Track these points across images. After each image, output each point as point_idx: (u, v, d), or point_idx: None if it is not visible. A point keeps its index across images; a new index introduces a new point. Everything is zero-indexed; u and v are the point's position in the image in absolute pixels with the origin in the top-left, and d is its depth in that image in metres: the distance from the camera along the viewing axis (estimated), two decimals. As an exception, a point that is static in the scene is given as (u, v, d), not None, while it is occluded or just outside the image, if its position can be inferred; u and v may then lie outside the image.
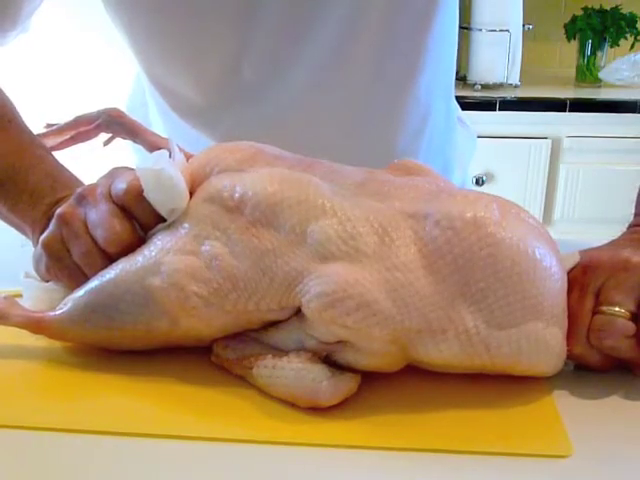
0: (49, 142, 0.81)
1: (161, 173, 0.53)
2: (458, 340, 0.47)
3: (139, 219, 0.55)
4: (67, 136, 0.82)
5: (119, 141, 0.84)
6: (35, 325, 0.55)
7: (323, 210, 0.49)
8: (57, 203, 0.60)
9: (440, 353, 0.47)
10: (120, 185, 0.54)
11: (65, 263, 0.56)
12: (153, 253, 0.52)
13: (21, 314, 0.55)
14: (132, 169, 0.58)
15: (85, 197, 0.56)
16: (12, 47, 0.81)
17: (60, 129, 0.82)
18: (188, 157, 0.59)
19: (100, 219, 0.54)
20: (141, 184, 0.53)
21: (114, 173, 0.58)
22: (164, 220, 0.54)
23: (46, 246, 0.56)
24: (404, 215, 0.49)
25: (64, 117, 0.83)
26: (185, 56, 0.79)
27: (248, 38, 0.76)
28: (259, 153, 0.56)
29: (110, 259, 0.54)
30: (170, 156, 0.55)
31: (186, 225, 0.53)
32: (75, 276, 0.55)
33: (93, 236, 0.54)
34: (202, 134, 0.84)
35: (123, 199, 0.54)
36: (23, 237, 0.64)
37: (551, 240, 0.51)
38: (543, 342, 0.48)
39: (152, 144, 0.77)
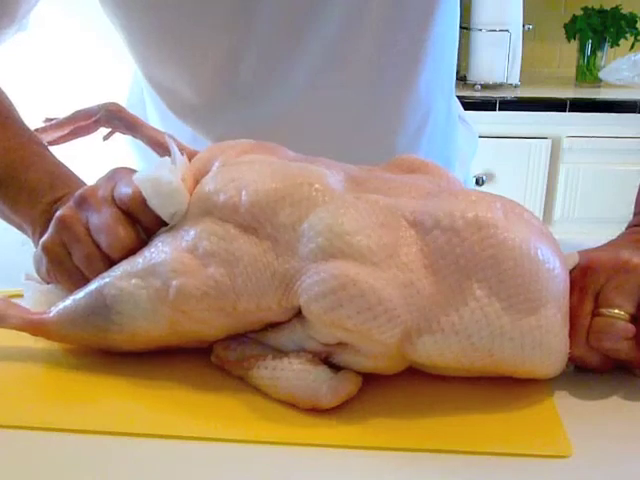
0: (48, 137, 0.81)
1: (160, 180, 0.53)
2: (459, 342, 0.47)
3: (143, 224, 0.54)
4: (66, 130, 0.82)
5: (118, 136, 0.84)
6: (33, 328, 0.55)
7: (324, 206, 0.49)
8: (56, 202, 0.60)
9: (441, 355, 0.47)
10: (125, 190, 0.54)
11: (66, 266, 0.55)
12: (153, 255, 0.52)
13: (19, 316, 0.55)
14: (133, 170, 0.58)
15: (86, 200, 0.55)
16: (10, 45, 0.81)
17: (59, 123, 0.81)
18: (190, 155, 0.58)
19: (103, 224, 0.54)
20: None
21: (115, 175, 0.57)
22: (167, 223, 0.54)
23: (46, 249, 0.56)
24: (405, 214, 0.49)
25: (63, 113, 0.83)
26: (181, 55, 0.79)
27: (245, 38, 0.76)
28: (260, 149, 0.56)
29: (112, 262, 0.54)
30: (171, 157, 0.55)
31: (185, 226, 0.52)
32: (76, 279, 0.55)
33: (96, 240, 0.54)
34: (199, 134, 0.84)
35: (128, 204, 0.54)
36: (24, 236, 0.63)
37: (554, 241, 0.51)
38: (546, 344, 0.47)
39: (152, 139, 0.76)
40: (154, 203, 0.53)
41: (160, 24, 0.76)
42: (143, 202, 0.53)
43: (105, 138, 0.83)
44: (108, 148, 0.86)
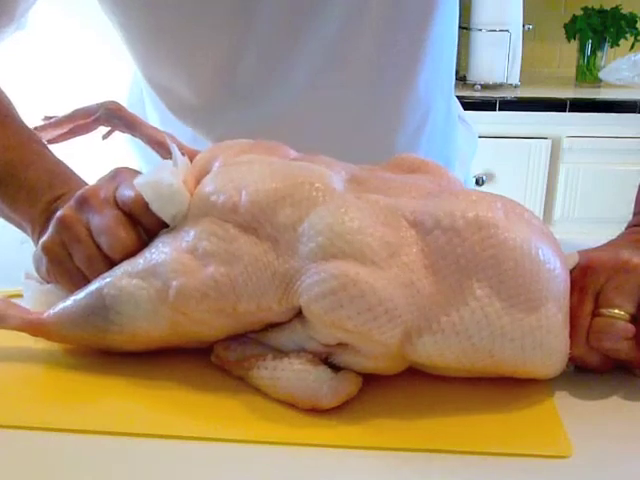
0: (47, 135, 0.80)
1: (160, 183, 0.53)
2: (460, 343, 0.47)
3: (145, 226, 0.54)
4: (65, 129, 0.81)
5: (118, 134, 0.84)
6: (33, 328, 0.54)
7: (325, 205, 0.49)
8: (55, 200, 0.60)
9: (441, 356, 0.47)
10: (127, 193, 0.54)
11: (66, 267, 0.55)
12: (154, 256, 0.52)
13: (18, 316, 0.55)
14: (135, 170, 0.58)
15: (87, 200, 0.55)
16: (10, 44, 0.81)
17: (58, 122, 0.81)
18: (190, 154, 0.58)
19: (105, 226, 0.53)
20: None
21: (117, 176, 0.57)
22: (167, 225, 0.54)
23: (46, 250, 0.56)
24: (405, 214, 0.49)
25: (63, 111, 0.82)
26: (180, 55, 0.78)
27: (244, 38, 0.76)
28: (260, 148, 0.56)
29: (112, 263, 0.54)
30: (172, 158, 0.55)
31: (185, 227, 0.52)
32: (76, 280, 0.55)
33: (97, 242, 0.54)
34: (199, 134, 0.84)
35: (131, 207, 0.54)
36: (23, 234, 0.63)
37: (555, 241, 0.50)
38: (547, 344, 0.47)
39: (151, 138, 0.76)
40: (156, 207, 0.53)
41: (158, 22, 0.76)
42: (145, 205, 0.53)
43: (104, 137, 0.83)
44: (108, 147, 0.86)
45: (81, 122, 0.81)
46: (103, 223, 0.54)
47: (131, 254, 0.53)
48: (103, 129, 0.82)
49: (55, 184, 0.61)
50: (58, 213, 0.56)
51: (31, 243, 0.61)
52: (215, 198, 0.51)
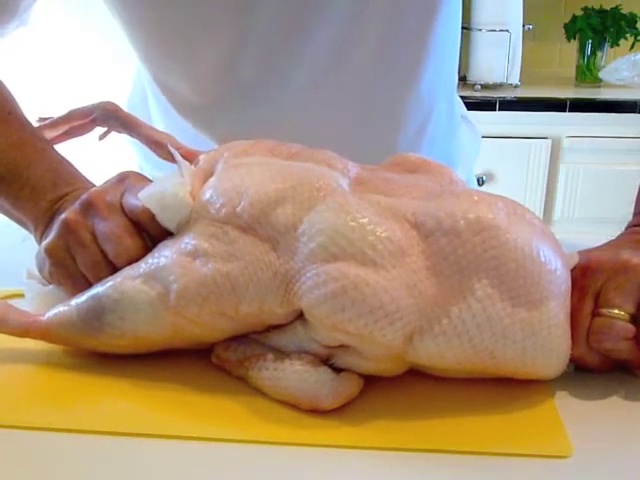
0: None
1: (164, 193, 0.53)
2: (461, 344, 0.46)
3: (150, 234, 0.54)
4: (61, 130, 0.80)
5: (114, 135, 0.83)
6: (34, 332, 0.54)
7: (326, 205, 0.49)
8: (59, 200, 0.60)
9: (442, 358, 0.47)
10: (134, 202, 0.54)
11: (69, 271, 0.55)
12: (155, 260, 0.52)
13: (18, 320, 0.54)
14: (143, 176, 0.58)
15: (93, 205, 0.55)
16: (13, 43, 0.80)
17: (54, 123, 0.80)
18: (190, 154, 0.58)
19: (111, 233, 0.53)
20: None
21: (123, 181, 0.57)
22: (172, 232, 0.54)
23: (50, 253, 0.56)
24: (407, 215, 0.49)
25: (59, 112, 0.82)
26: (180, 52, 0.78)
27: (245, 36, 0.75)
28: (261, 147, 0.56)
29: (116, 269, 0.54)
30: (177, 166, 0.55)
31: (186, 230, 0.52)
32: (79, 283, 0.55)
33: (102, 248, 0.54)
34: (201, 133, 0.84)
35: (138, 217, 0.54)
36: (24, 232, 0.63)
37: (556, 242, 0.50)
38: (548, 345, 0.47)
39: (149, 138, 0.76)
40: (161, 217, 0.53)
41: (158, 18, 0.76)
42: (152, 216, 0.53)
43: (101, 138, 0.82)
44: (109, 146, 0.86)
45: (77, 123, 0.80)
46: (109, 230, 0.53)
47: (135, 261, 0.53)
48: (100, 130, 0.82)
49: (59, 183, 0.61)
50: (62, 216, 0.56)
51: (32, 240, 0.61)
52: (216, 201, 0.51)
